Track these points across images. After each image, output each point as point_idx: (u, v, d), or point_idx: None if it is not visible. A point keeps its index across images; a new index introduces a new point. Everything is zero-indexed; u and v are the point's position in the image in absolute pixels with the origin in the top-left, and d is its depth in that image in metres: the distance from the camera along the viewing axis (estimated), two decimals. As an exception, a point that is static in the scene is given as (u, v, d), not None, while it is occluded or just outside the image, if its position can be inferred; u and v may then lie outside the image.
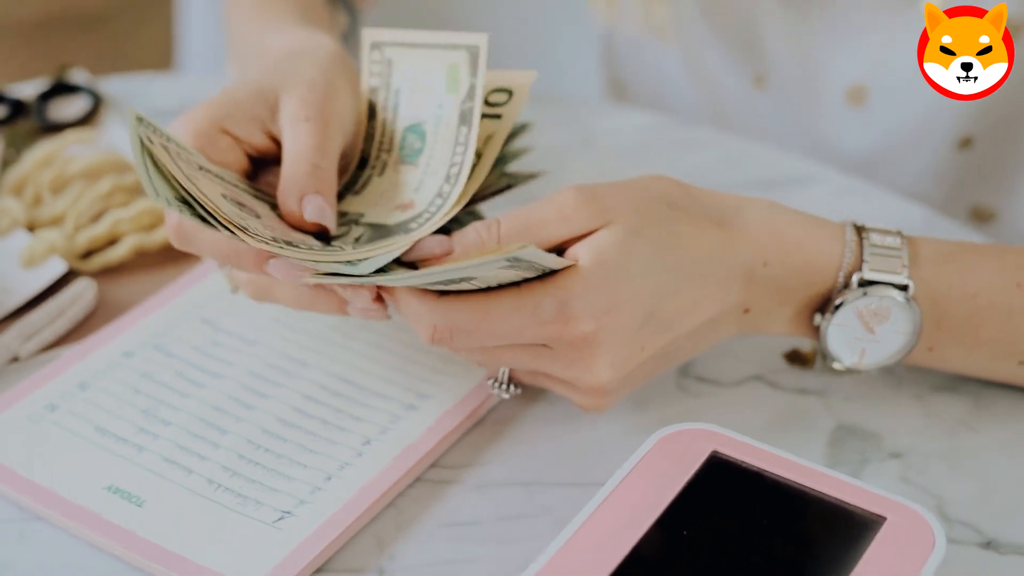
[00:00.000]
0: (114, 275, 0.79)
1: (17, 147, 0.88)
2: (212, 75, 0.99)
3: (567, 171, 0.85)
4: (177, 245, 0.65)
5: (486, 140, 0.69)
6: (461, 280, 0.59)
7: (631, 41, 1.07)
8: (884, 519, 0.56)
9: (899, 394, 0.71)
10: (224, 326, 0.75)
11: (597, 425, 0.69)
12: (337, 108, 0.68)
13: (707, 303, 0.64)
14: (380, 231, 0.67)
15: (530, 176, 0.73)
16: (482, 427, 0.69)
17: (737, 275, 0.65)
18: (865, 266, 0.65)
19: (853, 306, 0.66)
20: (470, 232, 0.62)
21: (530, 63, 0.76)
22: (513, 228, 0.61)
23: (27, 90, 0.96)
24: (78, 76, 0.97)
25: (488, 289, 0.61)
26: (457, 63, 0.68)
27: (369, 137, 0.71)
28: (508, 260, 0.56)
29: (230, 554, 0.61)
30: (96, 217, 0.81)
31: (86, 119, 0.93)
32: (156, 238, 0.80)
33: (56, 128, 0.91)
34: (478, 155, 0.68)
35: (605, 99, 1.14)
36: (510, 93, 0.70)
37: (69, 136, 0.87)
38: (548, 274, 0.60)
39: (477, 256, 0.57)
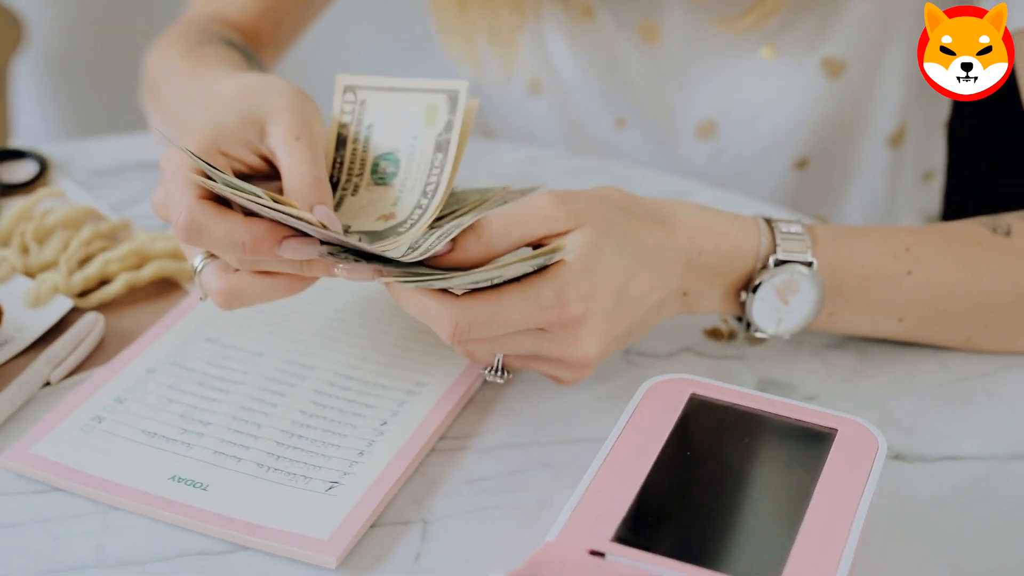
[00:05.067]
0: (110, 309, 0.89)
1: (-14, 207, 0.97)
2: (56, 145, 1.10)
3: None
4: (186, 241, 0.73)
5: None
6: (490, 279, 0.71)
7: (499, 92, 1.22)
8: (836, 431, 0.71)
9: (801, 353, 0.87)
10: (228, 342, 0.85)
11: (568, 395, 0.83)
12: (317, 129, 0.79)
13: (657, 287, 0.79)
14: (373, 236, 0.79)
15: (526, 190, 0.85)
16: (474, 405, 0.82)
17: (678, 263, 0.79)
18: (779, 249, 0.81)
19: (771, 282, 0.81)
20: (468, 230, 0.73)
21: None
22: (501, 227, 0.74)
23: (-27, 157, 1.04)
24: (17, 142, 1.06)
25: (493, 287, 0.74)
26: (436, 104, 0.81)
27: (338, 164, 0.82)
28: (547, 259, 0.70)
29: (296, 518, 0.72)
30: (83, 261, 0.91)
31: (37, 179, 1.02)
32: (144, 275, 0.90)
33: (12, 189, 1.00)
34: None
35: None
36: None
37: (41, 192, 0.96)
38: (540, 269, 0.74)
39: (516, 259, 0.70)
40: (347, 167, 0.82)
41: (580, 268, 0.73)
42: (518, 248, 0.75)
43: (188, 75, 0.96)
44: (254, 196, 0.71)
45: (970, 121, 1.18)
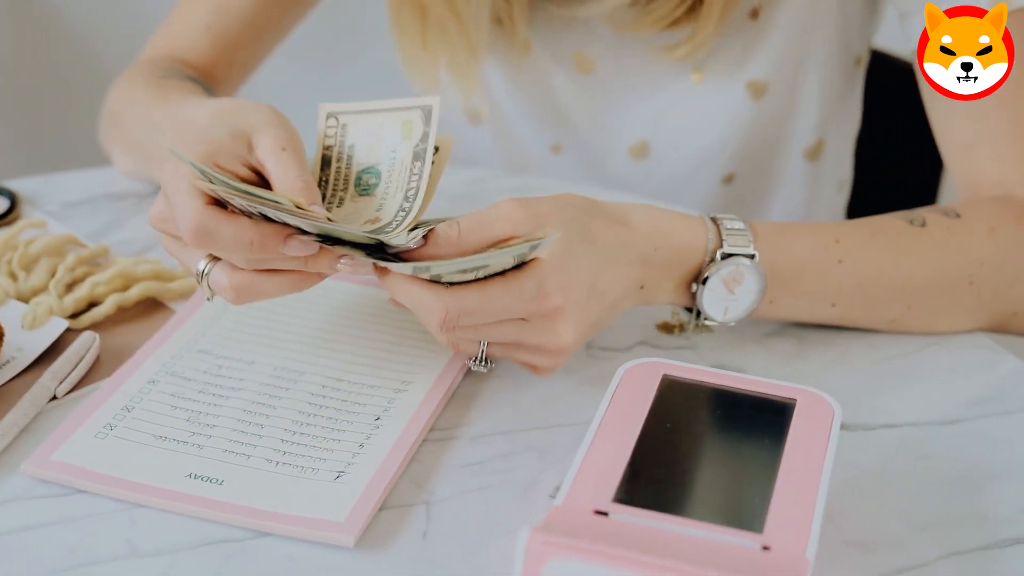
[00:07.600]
0: (101, 328, 0.94)
1: (-32, 239, 1.01)
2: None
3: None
4: (196, 244, 0.79)
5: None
6: (476, 269, 0.79)
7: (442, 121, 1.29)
8: (796, 400, 0.80)
9: (745, 341, 0.96)
10: (220, 352, 0.91)
11: (541, 387, 0.90)
12: (299, 140, 0.85)
13: (620, 281, 0.87)
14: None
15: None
16: (457, 399, 0.89)
17: (637, 259, 0.88)
18: (725, 243, 0.90)
19: (718, 274, 0.90)
20: (440, 228, 0.80)
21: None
22: (471, 226, 0.81)
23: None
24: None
25: (477, 280, 0.81)
26: (412, 119, 0.88)
27: (323, 183, 0.89)
28: (531, 246, 0.77)
29: (311, 504, 0.78)
30: (70, 285, 0.96)
31: (10, 213, 1.06)
32: (131, 295, 0.95)
33: (-14, 222, 1.05)
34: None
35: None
36: (437, 148, 0.90)
37: (22, 223, 1.01)
38: (519, 265, 0.81)
39: (503, 247, 0.77)
40: (332, 184, 0.88)
41: (557, 264, 0.81)
42: (485, 247, 0.81)
43: (154, 105, 1.02)
44: (255, 196, 0.77)
45: (875, 134, 1.29)
